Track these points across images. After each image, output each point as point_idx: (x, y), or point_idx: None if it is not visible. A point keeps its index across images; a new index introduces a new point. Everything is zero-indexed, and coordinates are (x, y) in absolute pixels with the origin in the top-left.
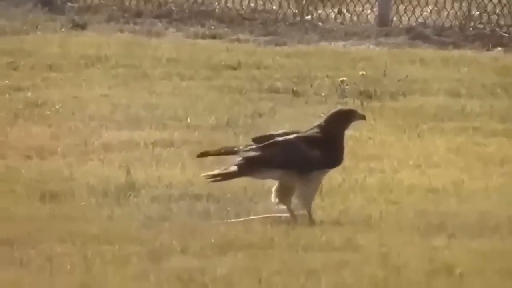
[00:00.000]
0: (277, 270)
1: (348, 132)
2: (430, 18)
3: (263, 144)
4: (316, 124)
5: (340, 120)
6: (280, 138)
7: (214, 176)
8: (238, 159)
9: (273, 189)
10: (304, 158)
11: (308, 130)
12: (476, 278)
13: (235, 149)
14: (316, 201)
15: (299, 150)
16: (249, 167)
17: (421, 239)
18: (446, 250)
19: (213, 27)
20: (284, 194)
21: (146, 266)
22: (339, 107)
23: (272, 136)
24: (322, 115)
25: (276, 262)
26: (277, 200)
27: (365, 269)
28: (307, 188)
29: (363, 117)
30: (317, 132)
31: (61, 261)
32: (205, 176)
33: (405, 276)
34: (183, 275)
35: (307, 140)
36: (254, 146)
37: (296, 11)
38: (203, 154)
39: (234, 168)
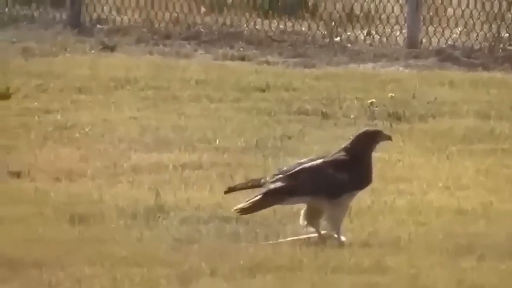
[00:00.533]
0: None
1: (377, 154)
2: (459, 40)
3: (289, 173)
4: (342, 146)
5: (367, 141)
6: (306, 165)
7: (243, 210)
8: (263, 190)
9: (302, 211)
10: (332, 183)
11: (335, 154)
12: None
13: (262, 181)
14: (345, 223)
15: (326, 175)
16: (274, 198)
17: (450, 260)
18: (475, 272)
19: (242, 49)
20: (312, 217)
21: None
22: (365, 128)
23: (297, 165)
24: (351, 137)
25: (305, 284)
26: (305, 222)
27: None
28: (335, 211)
29: (389, 138)
30: (343, 155)
31: (90, 284)
32: (235, 210)
33: None
34: None
35: (334, 164)
36: (280, 176)
37: (325, 32)
38: (231, 190)
39: (259, 199)
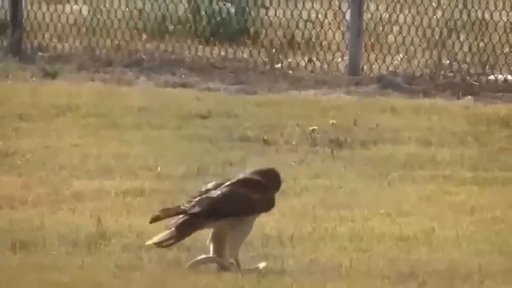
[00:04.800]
0: None
1: (318, 181)
2: (400, 67)
3: (205, 196)
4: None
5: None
6: (223, 187)
7: (160, 243)
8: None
9: (209, 243)
10: (247, 202)
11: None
12: None
13: (182, 207)
14: (287, 249)
15: (242, 194)
16: (192, 224)
17: (392, 287)
18: None
19: (183, 76)
20: (218, 244)
21: None
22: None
23: (208, 191)
24: (293, 163)
25: None
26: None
27: None
28: (241, 233)
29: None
30: (253, 176)
31: None
32: (153, 244)
33: None
34: None
35: (246, 183)
36: (198, 199)
37: (267, 59)
38: (154, 220)
39: (177, 230)
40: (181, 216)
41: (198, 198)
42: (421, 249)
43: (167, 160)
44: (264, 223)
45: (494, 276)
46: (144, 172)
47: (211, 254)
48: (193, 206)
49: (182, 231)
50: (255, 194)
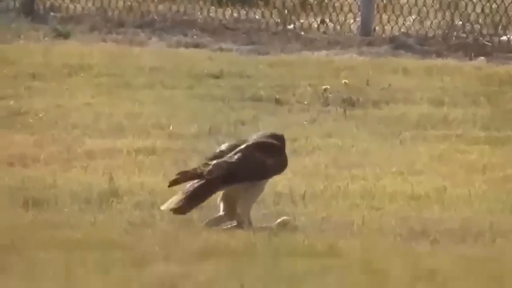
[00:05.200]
0: (260, 276)
1: (330, 140)
2: (413, 28)
3: (222, 160)
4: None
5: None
6: (239, 149)
7: (177, 210)
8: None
9: (219, 201)
10: (263, 167)
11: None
12: (458, 284)
13: (198, 170)
14: (299, 207)
15: (257, 158)
16: (209, 188)
17: (404, 245)
18: (429, 257)
19: (195, 37)
20: (232, 205)
21: (129, 273)
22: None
23: (222, 153)
24: (305, 123)
25: (259, 268)
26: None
27: (347, 275)
28: (254, 195)
29: None
30: (265, 139)
31: (45, 268)
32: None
33: (388, 282)
34: (166, 281)
35: (261, 147)
36: (215, 163)
37: (279, 20)
38: (172, 184)
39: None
40: (196, 180)
41: (215, 162)
42: (433, 208)
43: (179, 119)
44: (276, 181)
45: (505, 234)
46: (156, 131)
47: (221, 213)
48: (210, 171)
49: (199, 196)
50: (269, 158)
